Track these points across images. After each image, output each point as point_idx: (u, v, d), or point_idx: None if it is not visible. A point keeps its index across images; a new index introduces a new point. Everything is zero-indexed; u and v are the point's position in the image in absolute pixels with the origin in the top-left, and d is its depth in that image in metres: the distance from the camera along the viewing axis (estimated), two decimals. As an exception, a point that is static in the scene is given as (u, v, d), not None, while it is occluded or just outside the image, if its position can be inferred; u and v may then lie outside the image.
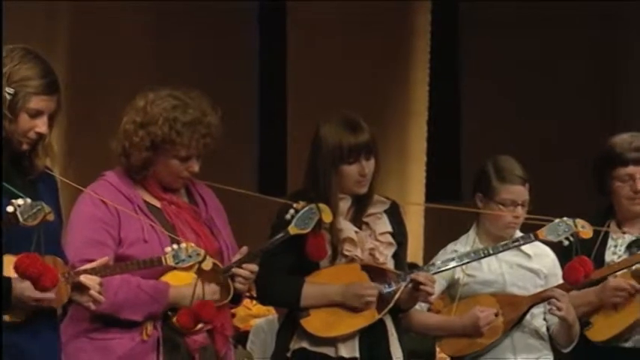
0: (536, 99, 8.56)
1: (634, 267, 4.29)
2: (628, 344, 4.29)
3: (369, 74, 7.71)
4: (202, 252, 3.53)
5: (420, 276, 3.95)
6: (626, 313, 4.26)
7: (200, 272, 3.59)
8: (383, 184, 7.15)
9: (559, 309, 4.16)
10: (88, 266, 3.37)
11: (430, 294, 3.98)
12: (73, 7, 7.99)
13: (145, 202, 3.74)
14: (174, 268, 3.56)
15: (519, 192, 4.26)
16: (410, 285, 3.97)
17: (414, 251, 6.73)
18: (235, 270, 3.71)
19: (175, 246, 3.54)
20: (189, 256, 3.52)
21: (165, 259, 3.52)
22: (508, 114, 8.63)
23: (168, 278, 3.65)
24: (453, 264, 4.10)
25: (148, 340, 3.63)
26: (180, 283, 3.65)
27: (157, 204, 3.76)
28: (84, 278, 3.29)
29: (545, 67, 8.53)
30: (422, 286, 3.95)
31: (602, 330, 4.29)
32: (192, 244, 3.53)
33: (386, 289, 3.97)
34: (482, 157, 4.44)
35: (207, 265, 3.54)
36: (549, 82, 8.57)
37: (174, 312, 3.66)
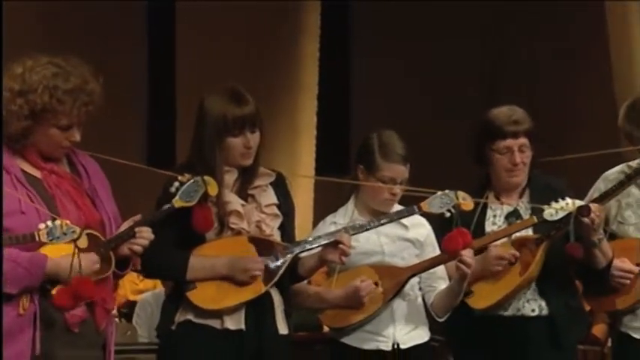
0: (424, 74, 8.67)
1: (513, 236, 4.39)
2: (507, 313, 4.37)
3: (258, 48, 7.69)
4: (77, 229, 3.47)
5: (345, 238, 3.99)
6: (505, 282, 4.34)
7: (79, 247, 3.53)
8: (273, 157, 7.22)
9: (468, 266, 4.20)
10: None
11: (347, 254, 4.01)
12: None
13: (24, 172, 3.66)
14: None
15: (400, 171, 4.32)
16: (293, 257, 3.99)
17: (304, 224, 6.75)
18: (129, 242, 3.67)
19: (50, 223, 3.46)
20: (64, 234, 3.46)
21: (39, 235, 3.45)
22: (396, 88, 8.72)
23: (48, 250, 3.57)
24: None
25: (25, 314, 3.55)
26: (62, 254, 3.57)
27: (37, 174, 3.68)
28: None
29: (433, 44, 8.63)
30: (340, 245, 3.98)
31: (482, 298, 4.36)
32: (68, 222, 3.47)
33: (273, 262, 3.99)
34: (371, 131, 4.48)
35: (83, 242, 3.48)
36: (437, 58, 8.69)
37: (53, 285, 3.59)
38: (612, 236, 4.48)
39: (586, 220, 4.21)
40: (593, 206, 4.24)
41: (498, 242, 4.38)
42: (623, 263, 4.40)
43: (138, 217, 3.73)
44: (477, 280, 4.36)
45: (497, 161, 4.41)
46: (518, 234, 4.38)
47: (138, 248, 3.68)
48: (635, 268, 4.43)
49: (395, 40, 8.62)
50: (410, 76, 8.67)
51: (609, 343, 4.80)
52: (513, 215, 4.44)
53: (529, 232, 4.38)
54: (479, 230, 4.39)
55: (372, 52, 8.75)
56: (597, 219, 4.25)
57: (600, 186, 4.58)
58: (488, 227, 4.43)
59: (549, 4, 8.25)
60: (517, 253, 4.33)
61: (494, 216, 4.46)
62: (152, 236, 3.70)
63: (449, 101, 8.51)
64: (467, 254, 4.17)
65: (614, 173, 4.58)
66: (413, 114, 8.40)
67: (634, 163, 4.57)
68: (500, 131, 4.39)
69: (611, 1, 7.06)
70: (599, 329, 5.53)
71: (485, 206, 4.43)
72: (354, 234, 4.13)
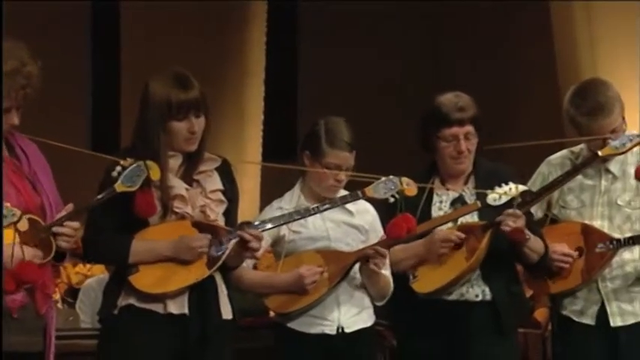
0: (371, 60, 8.68)
1: (459, 222, 4.41)
2: (451, 297, 4.39)
3: (205, 34, 7.66)
4: (18, 212, 3.45)
5: (247, 233, 3.97)
6: (450, 266, 4.37)
7: (20, 230, 3.51)
8: (220, 143, 7.20)
9: (378, 266, 4.25)
10: None
11: (256, 250, 4.00)
12: None
13: (-39, 156, 3.61)
14: None
15: (345, 158, 4.33)
16: (236, 242, 3.99)
17: (251, 210, 6.76)
18: (56, 229, 3.64)
19: None
20: (5, 217, 3.43)
21: None
22: (343, 75, 8.73)
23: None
24: (282, 221, 4.13)
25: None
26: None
27: (-26, 158, 3.63)
28: None
29: (380, 31, 8.64)
30: (249, 243, 3.97)
31: (427, 282, 4.38)
32: (8, 204, 3.44)
33: (216, 246, 3.97)
34: (318, 117, 4.47)
35: (23, 225, 3.45)
36: (384, 45, 8.70)
37: None
38: (554, 220, 4.53)
39: (506, 228, 4.23)
40: (513, 212, 4.26)
41: (444, 227, 4.40)
42: (562, 247, 4.44)
43: (70, 207, 3.69)
44: (423, 264, 4.40)
45: (443, 148, 4.43)
46: (464, 220, 4.40)
47: (64, 245, 3.65)
48: (574, 253, 4.47)
49: (342, 26, 8.63)
50: (357, 62, 8.68)
51: (550, 327, 4.84)
52: (459, 201, 4.46)
53: (475, 218, 4.40)
54: (425, 216, 4.41)
55: (319, 37, 8.74)
56: (516, 224, 4.25)
57: (543, 170, 4.62)
58: (435, 213, 4.45)
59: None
60: (462, 235, 4.35)
61: (441, 202, 4.48)
62: (75, 233, 3.67)
63: (396, 87, 8.54)
64: (380, 252, 4.22)
65: (558, 158, 4.62)
66: (360, 100, 8.41)
67: (577, 149, 4.62)
68: (446, 119, 4.41)
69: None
70: (540, 313, 5.59)
71: (431, 192, 4.45)
72: (293, 220, 4.13)
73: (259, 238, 3.99)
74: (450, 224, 4.41)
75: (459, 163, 4.44)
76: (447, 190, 4.49)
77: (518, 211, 4.26)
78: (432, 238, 4.36)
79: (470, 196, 4.43)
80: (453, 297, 4.39)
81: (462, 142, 4.40)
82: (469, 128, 4.42)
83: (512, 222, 4.25)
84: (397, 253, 4.39)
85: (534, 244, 4.36)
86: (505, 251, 4.35)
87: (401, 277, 4.40)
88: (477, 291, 4.40)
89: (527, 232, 4.31)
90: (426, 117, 4.48)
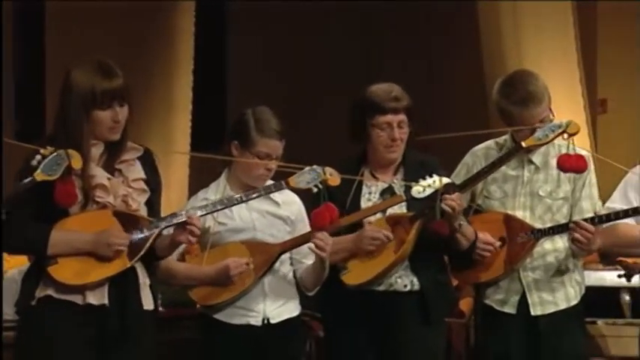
0: (302, 49, 8.67)
1: (387, 214, 4.42)
2: (380, 288, 4.41)
3: (132, 22, 7.58)
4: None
5: (195, 219, 3.94)
6: (380, 259, 4.39)
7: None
8: (148, 133, 7.13)
9: (321, 249, 4.23)
10: None
11: (196, 235, 3.96)
12: None
13: None
14: None
15: (275, 146, 4.32)
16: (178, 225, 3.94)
17: (179, 200, 6.72)
18: None
19: None
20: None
21: None
22: (274, 63, 8.70)
23: None
24: (204, 211, 4.10)
25: None
26: None
27: None
28: None
29: (312, 20, 8.64)
30: (190, 226, 3.93)
31: (357, 275, 4.41)
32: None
33: (138, 236, 3.93)
34: (247, 107, 4.46)
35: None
36: (315, 34, 8.70)
37: None
38: (478, 211, 4.56)
39: (447, 207, 4.26)
40: (454, 195, 4.29)
41: (373, 219, 4.40)
42: (485, 236, 4.48)
43: None
44: (352, 257, 4.41)
45: (376, 137, 4.45)
46: (392, 211, 4.41)
47: None
48: (497, 242, 4.51)
49: (272, 15, 8.60)
50: (287, 51, 8.66)
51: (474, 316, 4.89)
52: (388, 191, 4.49)
53: (403, 209, 4.42)
54: (354, 206, 4.43)
55: (248, 26, 8.70)
56: (458, 207, 4.30)
57: (468, 161, 4.65)
58: (364, 203, 4.47)
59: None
60: (391, 235, 4.37)
61: (370, 192, 4.49)
62: None
63: (327, 77, 8.53)
64: (319, 237, 4.20)
65: (482, 149, 4.66)
66: (290, 90, 8.39)
67: (501, 140, 4.65)
68: (380, 107, 4.43)
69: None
70: (465, 303, 5.62)
71: (360, 183, 4.46)
72: (216, 210, 4.09)
73: (198, 226, 3.96)
74: (379, 215, 4.40)
75: (391, 152, 4.46)
76: (377, 180, 4.50)
77: (458, 194, 4.29)
78: (361, 234, 4.37)
79: (399, 187, 4.45)
80: (382, 287, 4.42)
81: (395, 130, 4.43)
82: (403, 117, 4.45)
83: (451, 202, 4.26)
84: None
85: (467, 230, 4.39)
86: (433, 241, 4.36)
87: (331, 269, 4.39)
88: (406, 281, 4.43)
89: (462, 218, 4.34)
90: (360, 105, 4.49)
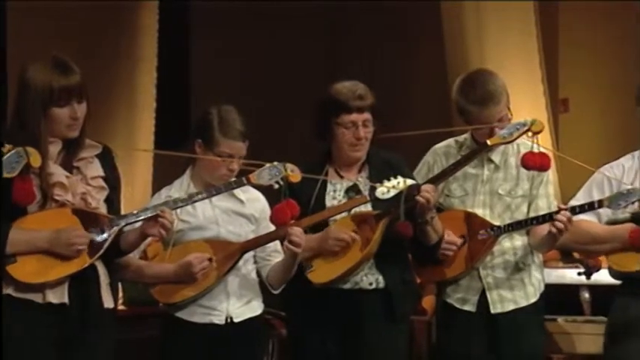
0: (266, 47, 8.66)
1: (353, 212, 4.42)
2: (346, 286, 4.42)
3: (95, 19, 7.53)
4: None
5: (167, 212, 3.93)
6: (346, 257, 4.40)
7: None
8: (111, 130, 7.09)
9: (297, 245, 4.22)
10: None
11: (168, 229, 3.95)
12: None
13: None
14: None
15: (238, 147, 4.32)
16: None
17: (143, 197, 6.69)
18: None
19: None
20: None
21: None
22: (237, 62, 8.69)
23: None
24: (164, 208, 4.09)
25: None
26: None
27: None
28: None
29: (275, 19, 8.63)
30: (162, 219, 3.91)
31: (323, 273, 4.41)
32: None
33: (98, 234, 3.92)
34: (211, 104, 4.44)
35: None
36: (279, 33, 8.69)
37: None
38: (439, 209, 4.58)
39: (421, 199, 4.28)
40: (428, 186, 4.31)
41: (338, 217, 4.40)
42: (447, 235, 4.50)
43: None
44: (318, 256, 4.41)
45: (341, 135, 4.45)
46: (358, 210, 4.42)
47: None
48: (458, 240, 4.53)
49: (236, 13, 8.58)
50: (251, 49, 8.65)
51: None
52: (353, 190, 4.49)
53: (369, 207, 4.42)
54: (319, 204, 4.44)
55: (212, 24, 8.68)
56: (432, 199, 4.32)
57: (429, 159, 4.68)
58: (329, 201, 4.47)
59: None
60: (356, 236, 4.38)
61: (335, 190, 4.50)
62: None
63: (291, 76, 8.53)
64: (295, 233, 4.20)
65: (443, 147, 4.68)
66: (254, 89, 8.38)
67: (461, 138, 4.68)
68: (345, 105, 4.43)
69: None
70: (427, 301, 5.64)
71: (325, 181, 4.46)
72: (177, 207, 4.09)
73: (171, 220, 3.94)
74: (344, 213, 4.41)
75: (355, 151, 4.46)
76: (342, 178, 4.51)
77: (431, 186, 4.30)
78: (326, 235, 4.38)
79: (364, 185, 4.45)
80: (348, 285, 4.42)
81: (360, 129, 4.43)
82: (367, 116, 4.45)
83: (427, 193, 4.27)
84: None
85: (437, 224, 4.40)
86: (399, 240, 4.37)
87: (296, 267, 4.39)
88: (371, 279, 4.44)
89: (433, 211, 4.36)
90: (325, 104, 4.49)
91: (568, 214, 4.34)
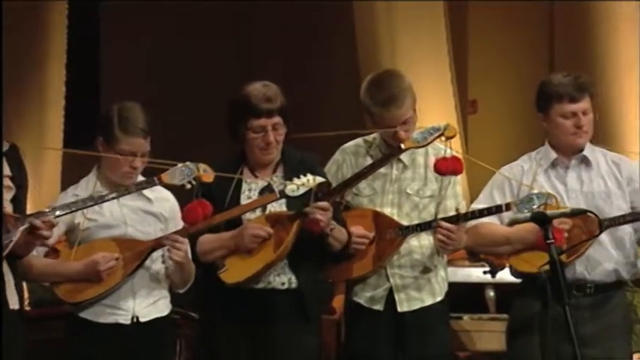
0: (176, 45, 8.62)
1: (267, 212, 4.42)
2: (258, 285, 4.41)
3: (4, 15, 7.43)
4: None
5: (37, 220, 3.87)
6: (259, 257, 4.39)
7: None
8: (20, 128, 6.98)
9: (178, 253, 4.22)
10: None
11: (46, 238, 3.90)
12: None
13: None
14: None
15: (140, 144, 4.28)
16: (26, 229, 3.88)
17: (51, 196, 6.61)
18: None
19: None
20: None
21: None
22: (147, 59, 8.64)
23: None
24: (74, 207, 4.05)
25: None
26: None
27: None
28: None
29: (184, 16, 8.59)
30: (39, 231, 3.87)
31: (235, 273, 4.40)
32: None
33: (4, 234, 3.86)
34: (121, 102, 4.40)
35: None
36: (189, 30, 8.65)
37: None
38: (347, 207, 4.60)
39: (312, 217, 4.26)
40: (322, 204, 4.31)
41: (253, 217, 4.39)
42: (358, 229, 4.52)
43: None
44: (231, 254, 4.39)
45: (251, 139, 4.43)
46: (272, 210, 4.42)
47: None
48: (369, 233, 4.56)
49: (146, 10, 8.52)
50: (161, 47, 8.60)
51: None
52: (267, 190, 4.48)
53: (284, 207, 4.42)
54: (234, 204, 4.42)
55: (121, 21, 8.61)
56: (325, 217, 4.29)
57: (338, 158, 4.70)
58: (244, 201, 4.46)
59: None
60: (271, 231, 4.37)
61: (250, 190, 4.49)
62: None
63: (202, 74, 8.50)
64: (180, 240, 4.20)
65: (352, 146, 4.71)
66: (164, 86, 8.33)
67: (370, 138, 4.71)
68: (254, 110, 4.41)
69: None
70: (337, 300, 5.66)
71: (240, 180, 4.45)
72: (86, 207, 4.04)
73: (50, 226, 3.89)
74: (258, 212, 4.40)
75: (267, 154, 4.45)
76: (256, 178, 4.50)
77: (326, 203, 4.30)
78: (242, 232, 4.36)
79: (278, 185, 4.45)
80: (260, 285, 4.41)
81: (269, 134, 4.41)
82: (277, 119, 4.43)
83: (320, 215, 4.27)
84: (206, 244, 4.38)
85: (338, 234, 4.42)
86: (312, 240, 4.38)
87: (209, 267, 4.39)
88: (284, 279, 4.43)
89: (333, 222, 4.36)
90: (235, 107, 4.46)
91: (447, 224, 4.40)
